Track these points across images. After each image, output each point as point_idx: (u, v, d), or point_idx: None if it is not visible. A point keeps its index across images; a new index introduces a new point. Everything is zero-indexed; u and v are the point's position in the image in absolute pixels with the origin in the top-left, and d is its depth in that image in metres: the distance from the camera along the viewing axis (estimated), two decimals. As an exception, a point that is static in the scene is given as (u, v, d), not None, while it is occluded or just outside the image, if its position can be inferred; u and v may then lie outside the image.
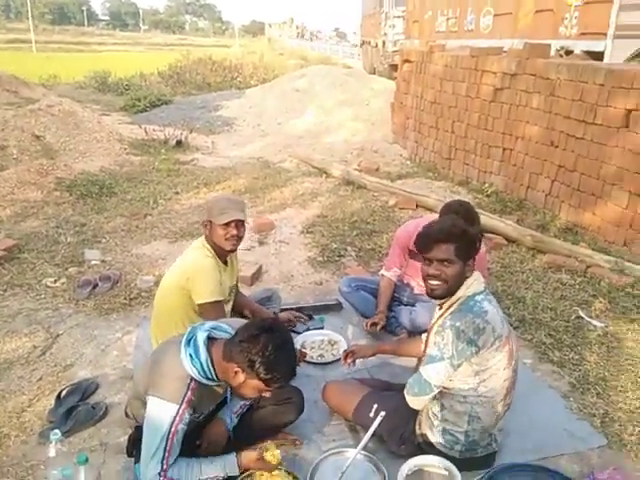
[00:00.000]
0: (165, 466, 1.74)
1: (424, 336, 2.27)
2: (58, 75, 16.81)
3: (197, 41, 54.05)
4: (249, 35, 55.48)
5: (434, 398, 2.02)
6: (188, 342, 1.82)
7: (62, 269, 3.85)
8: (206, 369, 1.79)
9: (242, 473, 1.93)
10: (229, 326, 1.95)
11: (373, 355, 2.60)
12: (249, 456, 1.92)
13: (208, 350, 1.80)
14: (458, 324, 1.88)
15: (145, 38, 60.40)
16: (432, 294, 2.03)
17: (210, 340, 1.85)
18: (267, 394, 1.83)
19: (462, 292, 1.99)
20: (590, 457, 2.23)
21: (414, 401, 2.05)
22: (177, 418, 1.74)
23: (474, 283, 2.00)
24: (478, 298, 1.96)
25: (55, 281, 3.65)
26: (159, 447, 1.73)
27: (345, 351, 2.59)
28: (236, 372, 1.75)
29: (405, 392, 2.07)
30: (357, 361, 2.65)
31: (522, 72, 5.26)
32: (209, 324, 1.94)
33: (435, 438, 2.07)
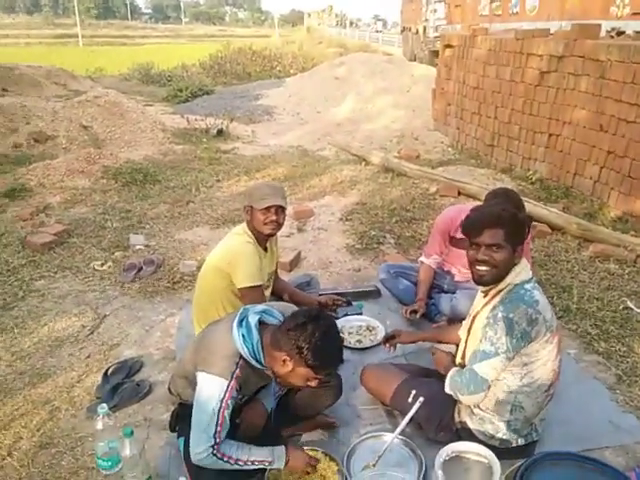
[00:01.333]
0: (218, 439, 1.77)
1: (465, 322, 2.23)
2: (104, 68, 17.30)
3: (237, 32, 54.44)
4: (288, 25, 55.45)
5: None
6: (240, 322, 1.86)
7: (109, 253, 3.99)
8: (256, 351, 1.82)
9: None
10: (279, 312, 1.97)
11: (413, 342, 2.58)
12: (298, 456, 1.93)
13: (259, 333, 1.84)
14: (511, 315, 1.83)
15: (187, 30, 61.29)
16: (480, 280, 1.97)
17: (261, 324, 1.89)
18: (313, 383, 1.83)
19: (510, 279, 1.93)
20: (636, 450, 2.16)
21: (470, 399, 2.00)
22: (227, 393, 1.77)
23: (523, 271, 1.94)
24: (528, 287, 1.90)
25: (102, 264, 3.79)
26: (210, 422, 1.76)
27: (386, 335, 2.58)
28: (284, 360, 1.78)
29: (455, 391, 2.01)
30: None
31: (570, 54, 5.05)
32: (260, 307, 1.96)
33: (475, 426, 2.04)
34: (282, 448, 1.90)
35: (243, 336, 1.82)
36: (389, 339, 2.53)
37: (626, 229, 4.25)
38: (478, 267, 1.94)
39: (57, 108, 7.54)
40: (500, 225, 1.90)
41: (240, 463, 1.81)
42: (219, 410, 1.77)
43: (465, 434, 2.07)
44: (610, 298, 3.29)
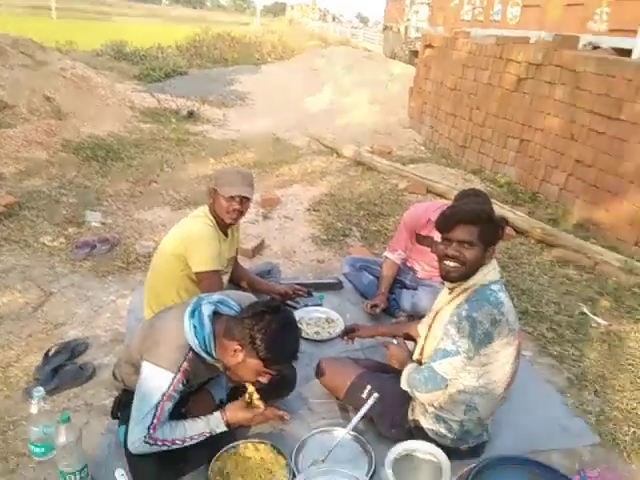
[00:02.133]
0: (152, 431, 1.70)
1: (425, 319, 2.18)
2: (75, 42, 16.67)
3: (216, 17, 53.48)
4: (270, 15, 54.84)
5: None
6: (192, 313, 1.77)
7: (61, 229, 3.80)
8: (208, 343, 1.75)
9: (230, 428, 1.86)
10: (236, 302, 1.88)
11: (372, 337, 2.54)
12: (234, 407, 1.85)
13: (212, 325, 1.76)
14: (475, 314, 1.79)
15: (165, 11, 59.92)
16: (447, 276, 1.93)
17: (215, 315, 1.80)
18: (264, 379, 1.77)
19: (477, 279, 1.89)
20: (582, 454, 2.17)
21: (427, 397, 1.96)
22: (171, 387, 1.70)
23: (491, 271, 1.91)
24: (494, 287, 1.87)
25: (53, 240, 3.60)
26: (148, 413, 1.69)
27: (346, 328, 2.53)
28: (235, 350, 1.71)
29: (412, 388, 1.98)
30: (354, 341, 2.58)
31: (548, 63, 5.10)
32: (216, 297, 1.87)
33: (427, 424, 2.01)
34: (217, 415, 1.82)
35: (195, 327, 1.73)
36: (348, 332, 2.49)
37: (587, 236, 4.32)
38: (447, 262, 1.90)
39: (20, 77, 7.18)
40: (475, 223, 1.86)
41: (178, 442, 1.74)
42: (159, 403, 1.69)
43: (417, 432, 2.03)
44: (567, 303, 3.32)
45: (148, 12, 54.64)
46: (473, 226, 1.86)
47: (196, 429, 1.78)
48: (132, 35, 18.21)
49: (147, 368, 1.72)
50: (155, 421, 1.69)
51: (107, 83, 7.95)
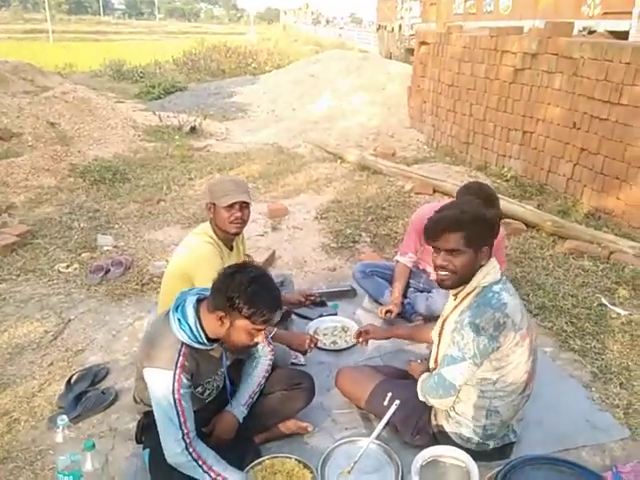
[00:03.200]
0: (186, 430, 1.73)
1: (436, 327, 2.18)
2: (74, 64, 16.85)
3: (212, 29, 53.81)
4: (264, 22, 55.05)
5: None
6: (176, 308, 1.82)
7: (75, 255, 3.83)
8: (195, 332, 1.77)
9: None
10: None
11: (387, 338, 2.53)
12: None
13: (197, 313, 1.80)
14: (478, 321, 1.78)
15: (160, 26, 60.32)
16: (442, 285, 1.94)
17: (199, 302, 1.84)
18: (258, 338, 1.80)
19: (478, 281, 1.88)
20: (613, 449, 2.15)
21: (439, 403, 1.97)
22: (176, 384, 1.73)
23: (491, 272, 1.89)
24: (496, 288, 1.85)
25: (67, 267, 3.63)
26: (171, 415, 1.72)
27: (359, 330, 2.51)
28: (221, 318, 1.74)
29: (425, 394, 1.99)
30: (370, 347, 2.58)
31: (544, 52, 5.08)
32: (198, 288, 1.93)
33: (451, 429, 2.01)
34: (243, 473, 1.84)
35: (179, 320, 1.77)
36: (361, 334, 2.46)
37: (599, 226, 4.28)
38: (439, 272, 1.91)
39: (23, 104, 7.26)
40: (459, 229, 1.82)
41: (212, 474, 1.75)
42: (175, 401, 1.72)
43: (442, 437, 2.04)
44: (585, 295, 3.30)
45: (144, 28, 55.08)
46: (457, 232, 1.82)
47: (232, 476, 1.78)
48: (129, 53, 18.38)
49: (148, 374, 1.77)
50: (182, 419, 1.72)
51: (108, 104, 8.02)
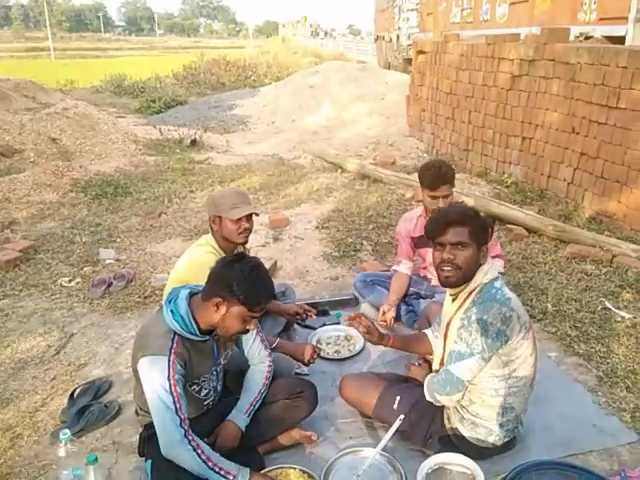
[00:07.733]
0: (182, 416, 1.75)
1: (440, 330, 2.15)
2: (75, 80, 17.02)
3: (212, 43, 54.38)
4: (263, 36, 55.62)
5: None
6: (169, 301, 1.87)
7: (77, 269, 3.84)
8: (187, 322, 1.82)
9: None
10: None
11: (378, 342, 2.30)
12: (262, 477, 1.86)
13: (189, 304, 1.85)
14: (485, 317, 1.79)
15: (160, 42, 61.01)
16: (446, 282, 1.93)
17: (192, 296, 1.89)
18: (251, 325, 1.85)
19: (479, 279, 1.89)
20: (621, 454, 2.12)
21: (447, 400, 1.96)
22: (170, 369, 1.75)
23: (490, 270, 1.91)
24: (497, 284, 1.88)
25: (70, 281, 3.64)
26: (168, 402, 1.73)
27: (352, 315, 2.30)
28: (217, 304, 1.78)
29: (432, 392, 1.98)
30: (373, 356, 2.55)
31: (540, 58, 5.11)
32: (192, 284, 1.98)
33: (467, 432, 1.99)
34: (247, 470, 1.83)
35: (172, 312, 1.82)
36: (355, 318, 2.27)
37: (601, 229, 4.27)
38: (444, 268, 1.90)
39: (25, 121, 7.33)
40: (464, 223, 1.87)
41: (209, 464, 1.76)
42: (170, 387, 1.74)
43: (458, 440, 2.01)
44: (588, 299, 3.28)
45: (144, 44, 55.70)
46: (463, 226, 1.86)
47: (227, 465, 1.79)
48: (130, 69, 18.57)
49: (142, 363, 1.79)
50: (178, 405, 1.73)
51: (109, 119, 8.08)
